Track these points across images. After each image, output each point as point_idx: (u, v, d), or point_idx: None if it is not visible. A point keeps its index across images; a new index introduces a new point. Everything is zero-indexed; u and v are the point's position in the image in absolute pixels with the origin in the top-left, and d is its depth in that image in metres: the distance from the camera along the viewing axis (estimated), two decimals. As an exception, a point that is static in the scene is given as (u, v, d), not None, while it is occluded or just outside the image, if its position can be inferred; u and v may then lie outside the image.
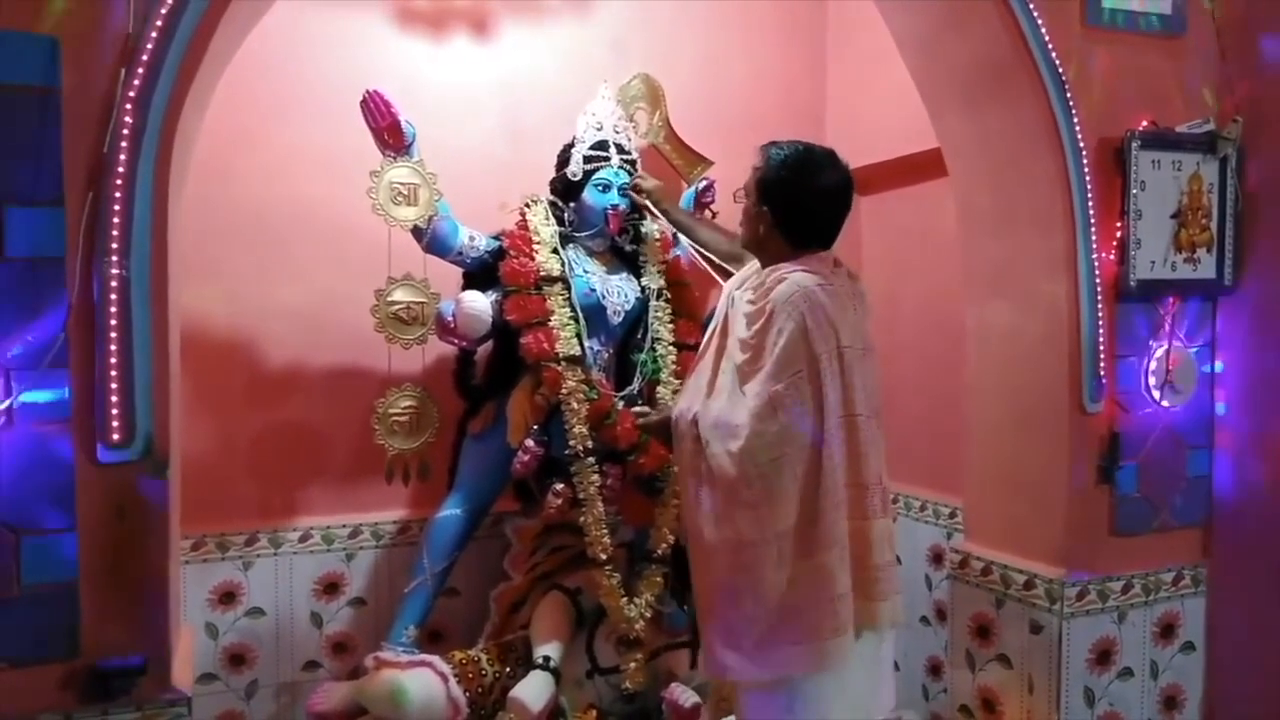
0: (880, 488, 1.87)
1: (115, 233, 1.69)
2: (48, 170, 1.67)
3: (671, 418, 1.98)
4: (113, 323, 1.69)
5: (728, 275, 2.30)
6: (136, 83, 1.70)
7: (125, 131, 1.69)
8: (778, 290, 1.82)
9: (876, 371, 1.94)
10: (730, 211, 2.73)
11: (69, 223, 1.68)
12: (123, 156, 1.69)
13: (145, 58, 1.70)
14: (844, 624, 1.76)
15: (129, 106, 1.70)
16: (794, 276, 1.84)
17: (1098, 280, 2.38)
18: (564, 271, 2.61)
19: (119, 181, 1.69)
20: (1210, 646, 2.57)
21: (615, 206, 2.67)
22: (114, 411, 1.70)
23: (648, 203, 2.68)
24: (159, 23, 1.71)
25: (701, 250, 2.57)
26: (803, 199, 1.92)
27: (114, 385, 1.69)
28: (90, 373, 1.70)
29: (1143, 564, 2.48)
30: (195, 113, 1.91)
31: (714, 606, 1.85)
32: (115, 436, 1.70)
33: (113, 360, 1.69)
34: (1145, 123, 2.44)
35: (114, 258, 1.69)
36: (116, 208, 1.69)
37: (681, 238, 2.72)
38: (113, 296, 1.69)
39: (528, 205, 2.70)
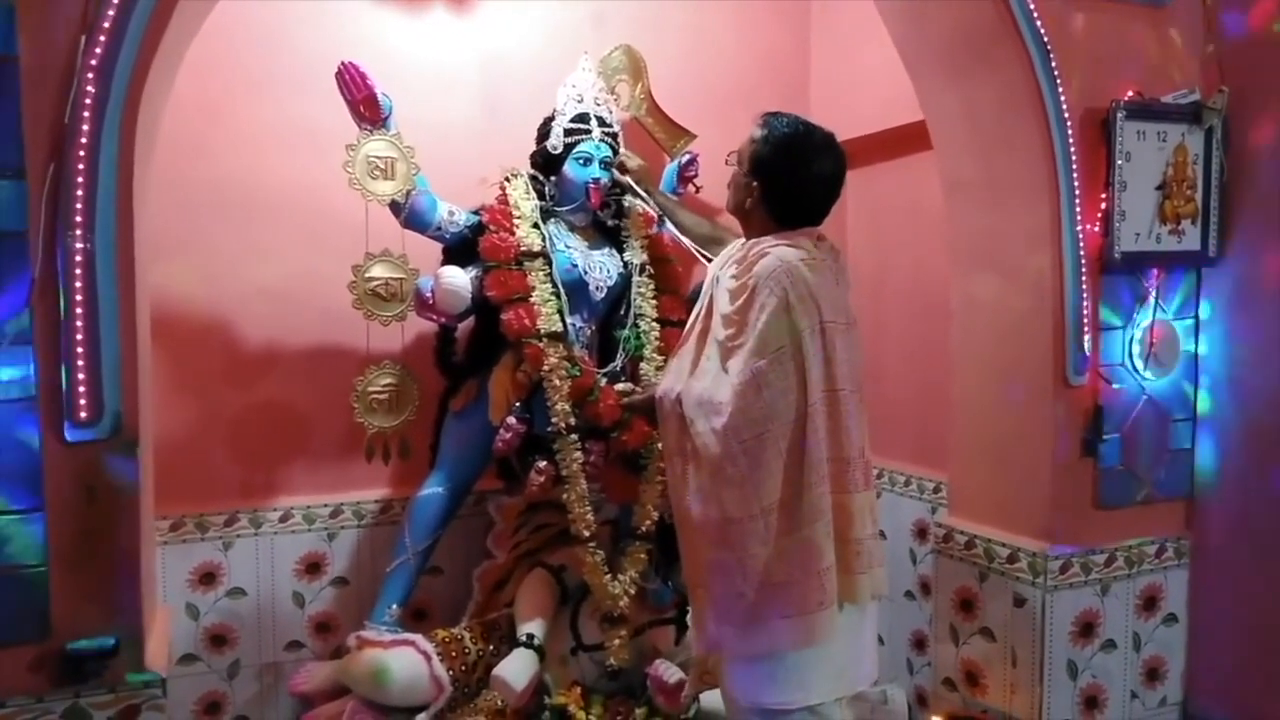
0: (862, 461, 1.87)
1: (79, 205, 1.64)
2: (7, 141, 1.62)
3: (656, 397, 1.96)
4: (78, 298, 1.65)
5: (709, 258, 2.27)
6: (98, 50, 1.65)
7: (87, 102, 1.65)
8: (760, 265, 1.81)
9: (859, 346, 1.92)
10: (712, 185, 2.70)
11: (31, 195, 1.63)
12: (85, 127, 1.64)
13: (106, 24, 1.65)
14: (831, 596, 1.77)
15: (90, 76, 1.65)
16: (777, 251, 1.82)
17: (1082, 252, 2.37)
18: (545, 246, 2.58)
19: (82, 153, 1.64)
20: (1192, 618, 2.58)
21: (596, 180, 2.63)
22: (81, 389, 1.66)
23: (630, 182, 2.64)
24: (120, -12, 1.66)
25: (683, 233, 2.55)
26: (795, 182, 1.90)
27: (80, 362, 1.65)
28: (56, 349, 1.66)
29: (1126, 536, 2.48)
30: (161, 83, 1.86)
31: (703, 583, 1.84)
32: (83, 415, 1.66)
33: (78, 336, 1.65)
34: (1131, 93, 2.41)
35: (78, 231, 1.64)
36: (80, 180, 1.64)
37: (666, 220, 2.69)
38: (77, 271, 1.65)
39: (508, 179, 2.66)
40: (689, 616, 2.06)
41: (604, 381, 2.57)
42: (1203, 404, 2.56)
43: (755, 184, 1.91)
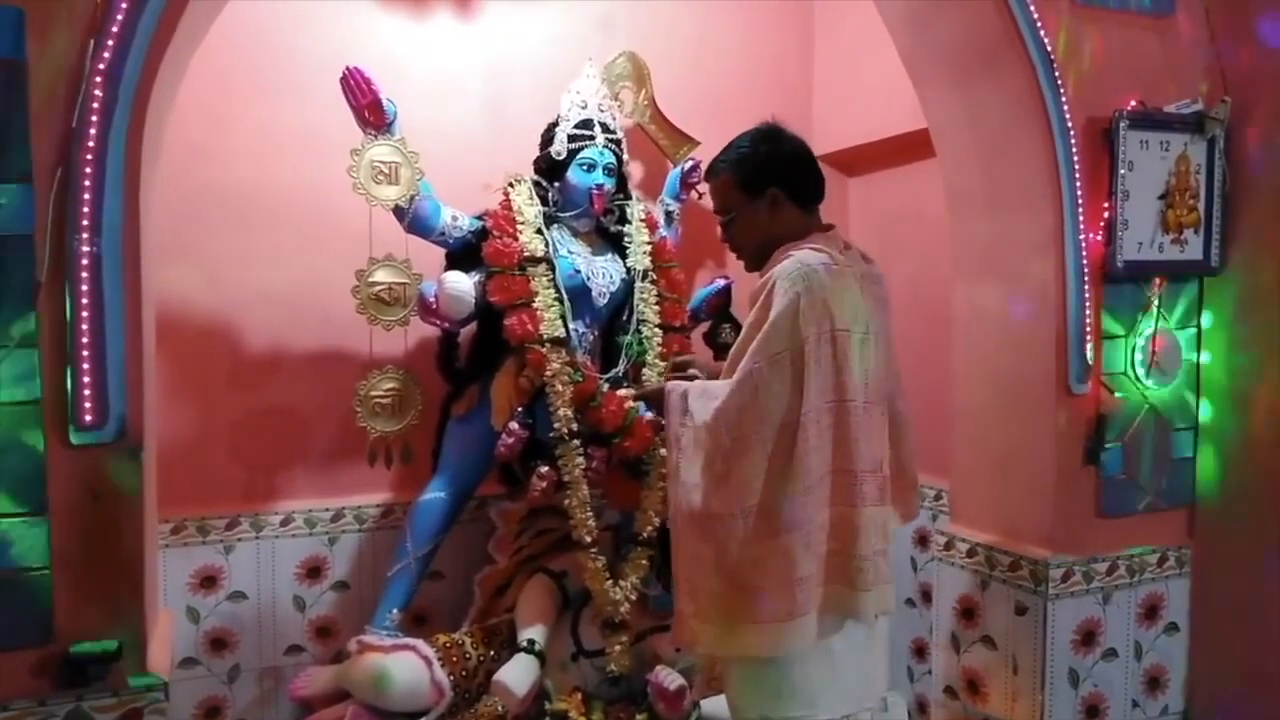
0: (878, 476, 1.82)
1: (86, 209, 1.64)
2: (15, 145, 1.62)
3: (665, 388, 1.93)
4: (84, 301, 1.65)
5: None
6: (106, 55, 1.65)
7: (95, 106, 1.65)
8: (780, 266, 1.78)
9: (886, 356, 1.89)
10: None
11: (38, 199, 1.64)
12: (92, 131, 1.64)
13: (115, 29, 1.65)
14: (801, 608, 1.72)
15: (98, 80, 1.65)
16: (800, 254, 1.79)
17: (1085, 261, 2.37)
18: (548, 252, 2.58)
19: (89, 157, 1.64)
20: (1194, 627, 2.58)
21: (600, 186, 2.63)
22: (86, 393, 1.66)
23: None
24: (129, -7, 1.67)
25: None
26: (788, 163, 1.89)
27: (86, 366, 1.65)
28: (62, 353, 1.66)
29: (1127, 545, 2.48)
30: (168, 87, 1.86)
31: (687, 577, 1.82)
32: (88, 418, 1.66)
33: (84, 340, 1.65)
34: (1133, 103, 2.42)
35: (84, 235, 1.64)
36: (87, 184, 1.64)
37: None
38: (84, 275, 1.65)
39: (511, 185, 2.66)
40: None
41: (606, 387, 2.57)
42: (1205, 413, 2.56)
43: (773, 189, 1.87)
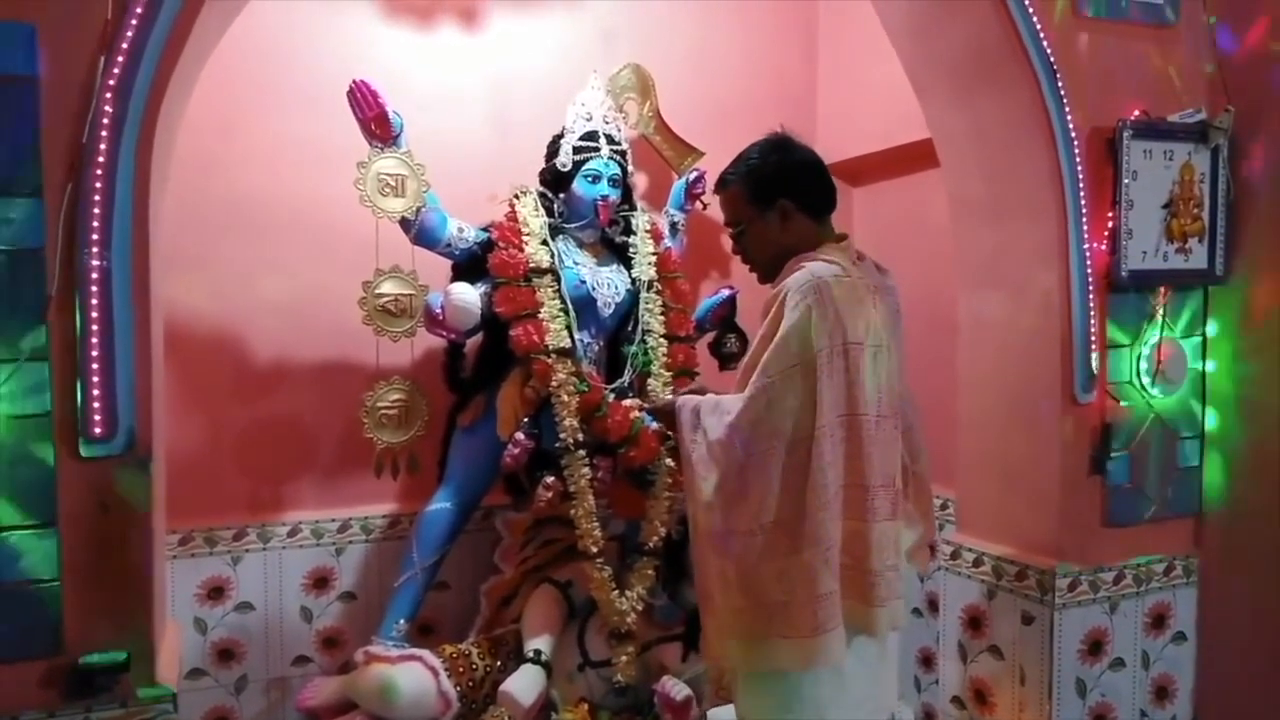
0: (889, 490, 1.81)
1: (96, 223, 1.66)
2: (26, 159, 1.64)
3: (676, 403, 1.93)
4: (94, 315, 1.66)
5: None
6: (116, 71, 1.67)
7: (105, 120, 1.67)
8: (792, 278, 1.77)
9: (898, 369, 1.88)
10: (718, 202, 2.72)
11: (48, 213, 1.66)
12: (103, 146, 1.66)
13: (125, 45, 1.68)
14: (825, 624, 1.71)
15: (109, 95, 1.67)
16: (812, 266, 1.78)
17: (1089, 270, 2.37)
18: (554, 263, 2.59)
19: (99, 171, 1.66)
20: (1201, 637, 2.57)
21: (605, 197, 2.64)
22: (95, 405, 1.67)
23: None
24: (139, 9, 1.69)
25: None
26: (798, 171, 1.89)
27: (95, 379, 1.67)
28: (71, 366, 1.67)
29: (1134, 554, 2.47)
30: (177, 102, 1.88)
31: (709, 594, 1.82)
32: (97, 430, 1.68)
33: (94, 353, 1.67)
34: (1137, 112, 2.42)
35: (94, 249, 1.66)
36: (97, 198, 1.66)
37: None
38: (93, 288, 1.66)
39: (517, 196, 2.68)
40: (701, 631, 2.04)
41: (612, 397, 2.57)
42: (1211, 422, 2.56)
43: (778, 201, 1.86)
